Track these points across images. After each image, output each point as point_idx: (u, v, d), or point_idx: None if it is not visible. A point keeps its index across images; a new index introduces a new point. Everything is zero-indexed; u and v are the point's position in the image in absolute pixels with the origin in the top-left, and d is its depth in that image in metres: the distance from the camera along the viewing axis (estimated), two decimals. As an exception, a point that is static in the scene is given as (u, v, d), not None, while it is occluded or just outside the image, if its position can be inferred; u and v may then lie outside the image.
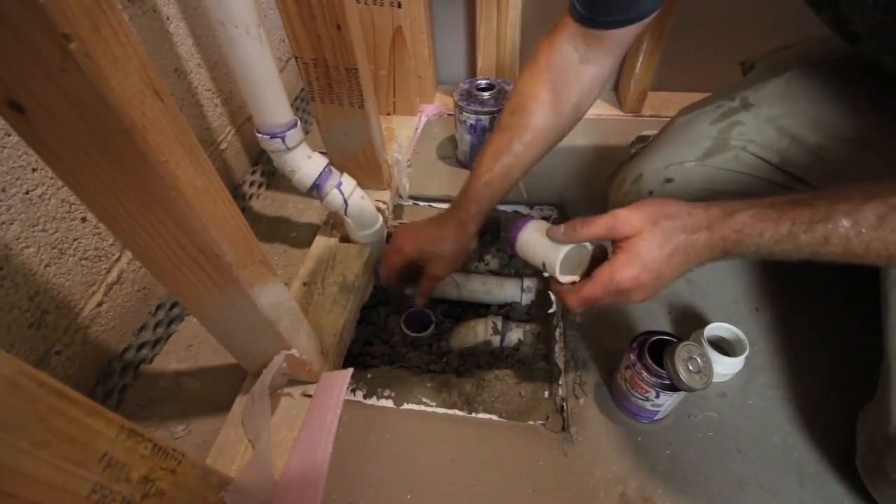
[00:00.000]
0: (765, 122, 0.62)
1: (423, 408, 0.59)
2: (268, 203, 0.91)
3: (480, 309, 0.80)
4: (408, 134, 0.99)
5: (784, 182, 0.60)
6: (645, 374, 0.50)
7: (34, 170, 0.49)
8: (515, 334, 0.71)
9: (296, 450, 0.52)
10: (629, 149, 0.79)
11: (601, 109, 1.04)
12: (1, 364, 0.22)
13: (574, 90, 0.60)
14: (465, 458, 0.54)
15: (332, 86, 0.65)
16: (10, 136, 0.46)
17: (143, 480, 0.30)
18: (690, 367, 0.48)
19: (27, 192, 0.49)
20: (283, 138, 0.59)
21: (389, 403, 0.60)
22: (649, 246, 0.42)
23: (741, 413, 0.56)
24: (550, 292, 0.69)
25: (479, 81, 0.87)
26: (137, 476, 0.30)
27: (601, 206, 0.79)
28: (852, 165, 0.56)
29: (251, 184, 0.88)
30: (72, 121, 0.27)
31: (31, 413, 0.23)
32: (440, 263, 0.65)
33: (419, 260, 0.66)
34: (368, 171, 0.78)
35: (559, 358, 0.63)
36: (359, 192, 0.69)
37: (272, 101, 0.57)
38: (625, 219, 0.43)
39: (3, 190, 0.47)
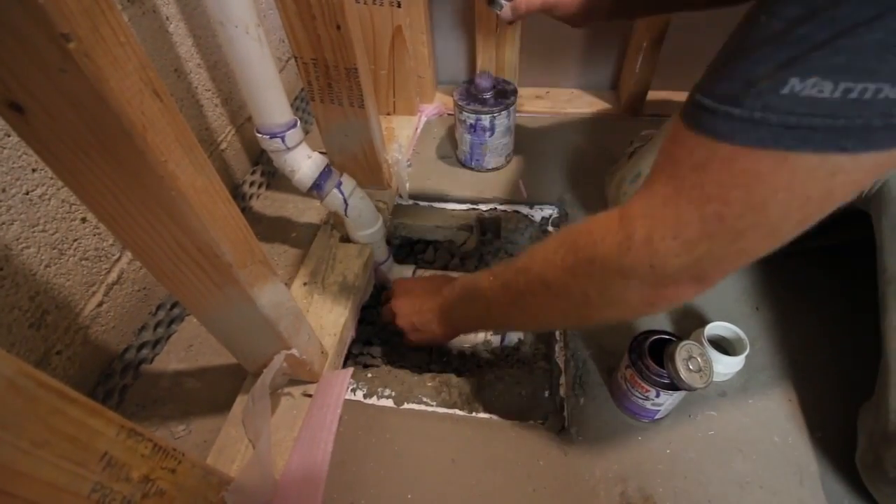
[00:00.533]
0: None
1: (423, 407, 0.59)
2: (268, 203, 0.91)
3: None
4: (408, 134, 0.99)
5: None
6: (645, 373, 0.50)
7: (34, 170, 0.49)
8: (515, 334, 0.71)
9: (296, 449, 0.52)
10: (628, 148, 0.79)
11: (601, 108, 1.04)
12: (1, 364, 0.22)
13: None
14: (466, 458, 0.54)
15: (332, 86, 0.65)
16: (9, 136, 0.46)
17: (144, 480, 0.30)
18: (691, 367, 0.48)
19: (27, 193, 0.49)
20: (282, 138, 0.59)
21: (390, 403, 0.60)
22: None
23: (741, 412, 0.56)
24: None
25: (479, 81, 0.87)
26: (138, 476, 0.30)
27: (601, 204, 0.79)
28: None
29: (251, 184, 0.88)
30: (71, 121, 0.28)
31: (31, 413, 0.23)
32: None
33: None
34: (368, 170, 0.78)
35: (559, 357, 0.63)
36: (359, 191, 0.69)
37: (272, 101, 0.57)
38: None
39: (3, 190, 0.47)
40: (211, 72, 0.75)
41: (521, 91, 1.02)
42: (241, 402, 0.56)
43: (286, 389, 0.59)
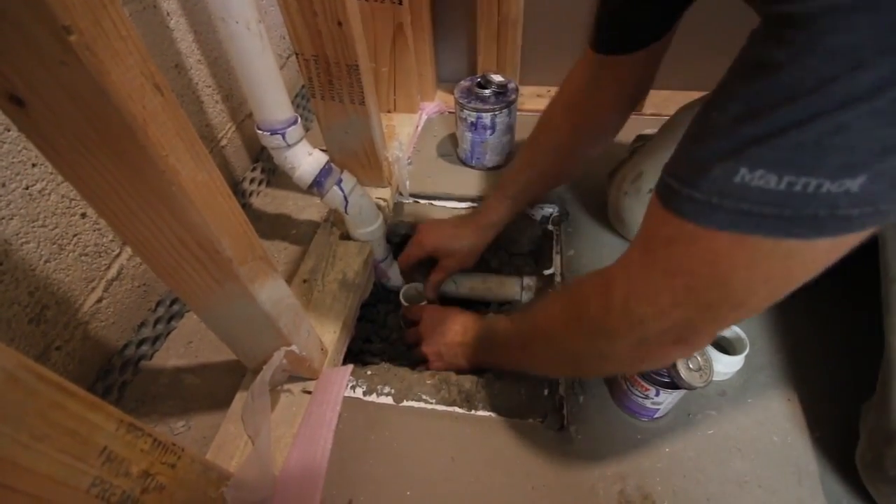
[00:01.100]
0: None
1: (422, 405, 0.59)
2: (268, 200, 0.91)
3: (480, 307, 0.80)
4: (408, 132, 0.99)
5: None
6: (645, 371, 0.50)
7: (34, 165, 0.49)
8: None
9: (295, 446, 0.52)
10: (629, 147, 0.79)
11: (602, 108, 1.03)
12: (1, 357, 0.22)
13: (592, 115, 0.64)
14: (465, 456, 0.54)
15: (333, 82, 0.65)
16: (9, 130, 0.46)
17: (143, 475, 0.30)
18: (691, 366, 0.48)
19: (27, 188, 0.49)
20: (283, 135, 0.59)
21: (389, 400, 0.60)
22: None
23: (741, 411, 0.56)
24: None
25: (479, 79, 0.87)
26: (137, 470, 0.30)
27: (602, 202, 0.79)
28: None
29: (251, 181, 0.88)
30: (71, 114, 0.27)
31: (30, 407, 0.23)
32: (452, 259, 0.74)
33: (435, 254, 0.75)
34: (369, 168, 0.78)
35: (559, 356, 0.63)
36: (359, 189, 0.69)
37: (272, 98, 0.56)
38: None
39: (3, 185, 0.47)
40: (212, 68, 0.75)
41: (522, 90, 1.02)
42: (240, 398, 0.56)
43: (286, 386, 0.58)
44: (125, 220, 0.35)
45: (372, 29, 0.89)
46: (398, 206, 0.87)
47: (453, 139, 0.97)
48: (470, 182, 0.90)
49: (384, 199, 0.80)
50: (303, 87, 1.03)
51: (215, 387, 0.63)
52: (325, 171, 0.64)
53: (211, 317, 0.48)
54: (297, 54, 0.63)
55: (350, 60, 0.62)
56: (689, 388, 0.48)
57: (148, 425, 0.31)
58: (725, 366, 0.57)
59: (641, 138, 0.77)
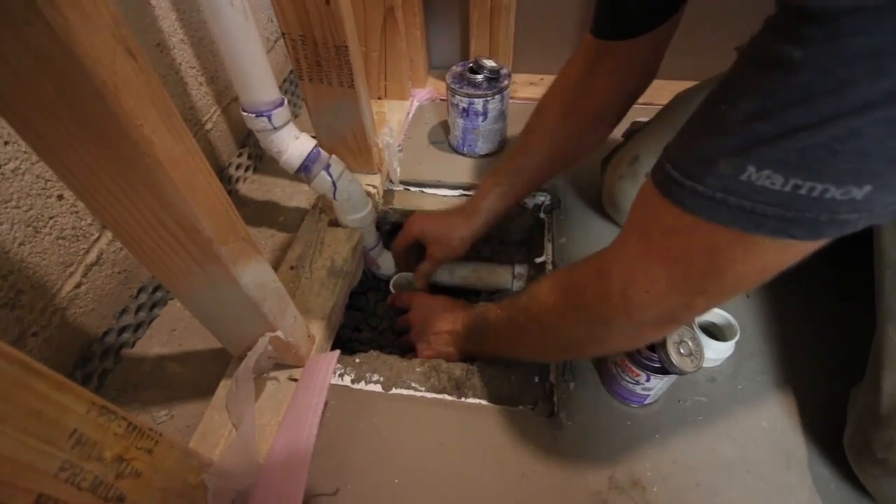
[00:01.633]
0: None
1: (411, 392, 0.58)
2: (255, 187, 0.89)
3: (471, 296, 0.80)
4: (399, 118, 0.98)
5: None
6: (636, 356, 0.50)
7: (6, 143, 0.47)
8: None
9: (280, 432, 0.51)
10: (623, 133, 0.78)
11: (594, 96, 1.03)
12: (-42, 332, 0.21)
13: (589, 102, 0.62)
14: (454, 443, 0.54)
15: (321, 64, 0.64)
16: (-20, 106, 0.44)
17: (117, 460, 0.29)
18: (682, 351, 0.48)
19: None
20: (269, 117, 0.57)
21: (378, 388, 0.59)
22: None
23: (731, 398, 0.56)
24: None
25: (472, 63, 0.85)
26: (111, 455, 0.29)
27: (594, 191, 0.78)
28: None
29: (238, 166, 0.86)
30: (38, 79, 0.26)
31: (-8, 385, 0.22)
32: (440, 247, 0.72)
33: (422, 240, 0.73)
34: (358, 154, 0.76)
35: (549, 343, 0.62)
36: (348, 175, 0.67)
37: (258, 78, 0.55)
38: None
39: (-26, 163, 0.45)
40: (196, 48, 0.73)
41: (515, 77, 1.01)
42: (224, 386, 0.55)
43: (272, 374, 0.57)
44: (100, 197, 0.34)
45: (362, 12, 0.87)
46: (388, 194, 0.86)
47: (445, 126, 0.96)
48: (461, 170, 0.89)
49: (374, 186, 0.79)
50: (291, 72, 1.01)
51: (199, 375, 0.61)
52: (312, 156, 0.63)
53: (193, 301, 0.46)
54: (283, 35, 0.61)
55: (339, 41, 0.61)
56: (680, 373, 0.47)
57: (122, 408, 0.30)
58: (716, 352, 0.57)
59: (635, 125, 0.77)
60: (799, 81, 0.23)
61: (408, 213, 0.85)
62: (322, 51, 0.62)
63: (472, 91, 0.81)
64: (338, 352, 0.58)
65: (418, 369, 0.60)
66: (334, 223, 0.74)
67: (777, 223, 0.27)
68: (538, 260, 0.77)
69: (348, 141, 0.74)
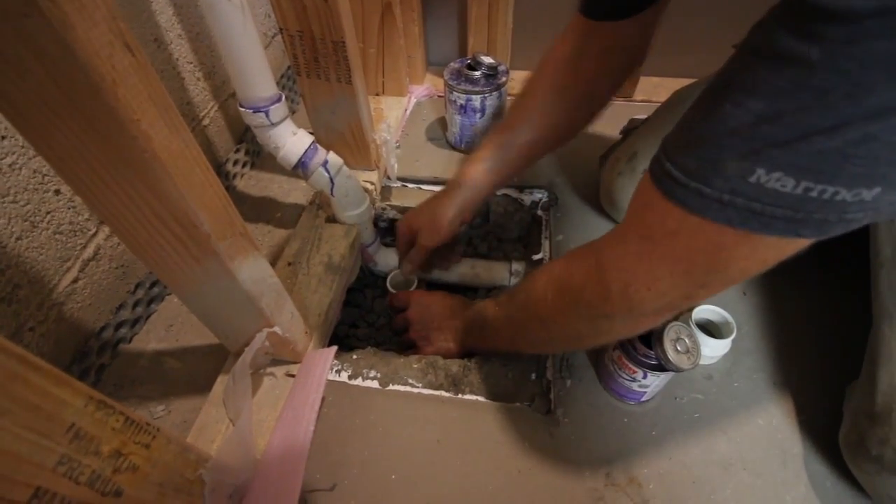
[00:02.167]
0: None
1: (408, 389, 0.58)
2: (252, 183, 0.89)
3: (469, 292, 0.80)
4: (396, 115, 0.97)
5: None
6: (633, 353, 0.50)
7: (3, 138, 0.47)
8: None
9: (278, 427, 0.51)
10: (621, 130, 0.78)
11: (593, 94, 1.03)
12: (-45, 326, 0.21)
13: (578, 81, 0.60)
14: (451, 439, 0.54)
15: (319, 60, 0.64)
16: (-24, 100, 0.44)
17: (115, 454, 0.29)
18: (678, 348, 0.48)
19: (-4, 161, 0.47)
20: (266, 113, 0.57)
21: (375, 384, 0.59)
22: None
23: (727, 395, 0.57)
24: None
25: (470, 60, 0.85)
26: (108, 449, 0.29)
27: (592, 188, 0.79)
28: None
29: (235, 162, 0.86)
30: (36, 73, 0.26)
31: (-11, 379, 0.22)
32: (426, 231, 0.68)
33: (413, 231, 0.70)
34: (356, 150, 0.76)
35: (547, 340, 0.63)
36: (345, 171, 0.67)
37: (255, 73, 0.54)
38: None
39: (-30, 157, 0.45)
40: (193, 43, 0.73)
41: (513, 74, 1.01)
42: (222, 381, 0.55)
43: (269, 369, 0.57)
44: (97, 191, 0.34)
45: (359, 8, 0.87)
46: (386, 190, 0.86)
47: (442, 123, 0.96)
48: (459, 166, 0.89)
49: (371, 183, 0.79)
50: (289, 67, 1.01)
51: (196, 371, 0.61)
52: (310, 152, 0.62)
53: (190, 297, 0.46)
54: (281, 30, 0.61)
55: (336, 37, 0.60)
56: (677, 370, 0.48)
57: (120, 403, 0.30)
58: (712, 349, 0.57)
59: (633, 122, 0.77)
60: (815, 84, 0.23)
61: (405, 210, 0.85)
62: (320, 46, 0.62)
63: (469, 87, 0.81)
64: (335, 348, 0.58)
65: (415, 366, 0.60)
66: (332, 219, 0.74)
67: (786, 224, 0.26)
68: (535, 257, 0.77)
69: (346, 137, 0.74)
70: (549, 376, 0.59)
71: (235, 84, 0.55)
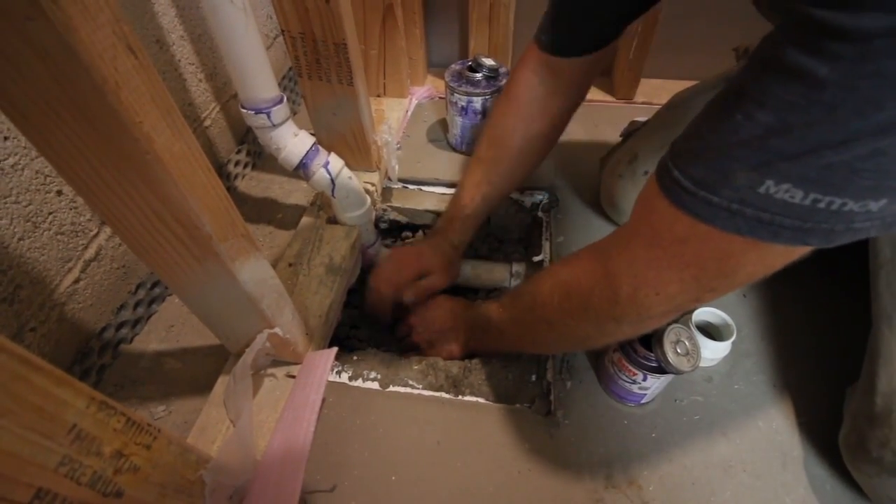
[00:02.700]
0: None
1: (409, 390, 0.58)
2: (253, 184, 0.89)
3: (469, 294, 0.80)
4: (398, 116, 0.98)
5: None
6: (633, 355, 0.50)
7: (6, 138, 0.47)
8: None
9: (278, 428, 0.51)
10: (622, 133, 0.78)
11: (593, 95, 1.03)
12: (-42, 326, 0.21)
13: (543, 121, 0.63)
14: (451, 440, 0.54)
15: (321, 61, 0.64)
16: (-21, 101, 0.44)
17: (116, 455, 0.29)
18: (678, 350, 0.48)
19: (-2, 162, 0.47)
20: (268, 114, 0.57)
21: (375, 386, 0.59)
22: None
23: (727, 397, 0.57)
24: None
25: (471, 62, 0.85)
26: (110, 450, 0.29)
27: (592, 190, 0.79)
28: None
29: (236, 163, 0.86)
30: (39, 75, 0.26)
31: (-9, 379, 0.22)
32: (440, 275, 0.70)
33: (422, 274, 0.69)
34: (357, 151, 0.76)
35: (547, 342, 0.63)
36: (346, 172, 0.67)
37: (257, 75, 0.55)
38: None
39: (-27, 158, 0.45)
40: (195, 44, 0.73)
41: (514, 75, 1.01)
42: (222, 382, 0.55)
43: (269, 370, 0.57)
44: (99, 193, 0.34)
45: (361, 10, 0.87)
46: (387, 191, 0.86)
47: (443, 124, 0.96)
48: (460, 168, 0.89)
49: (372, 184, 0.79)
50: (290, 69, 1.01)
51: (197, 371, 0.61)
52: (311, 153, 0.63)
53: (191, 297, 0.46)
54: (283, 32, 0.61)
55: (338, 38, 0.61)
56: (677, 372, 0.48)
57: (121, 404, 0.30)
58: (712, 352, 0.57)
59: (634, 124, 0.77)
60: (825, 100, 0.23)
61: (406, 212, 0.85)
62: (321, 48, 0.62)
63: (470, 89, 0.81)
64: (335, 349, 0.58)
65: (415, 367, 0.60)
66: (333, 220, 0.74)
67: (793, 233, 0.27)
68: (536, 258, 0.78)
69: (347, 138, 0.74)
70: (550, 378, 0.59)
71: (237, 85, 0.55)
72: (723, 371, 0.59)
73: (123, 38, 0.27)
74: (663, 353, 0.47)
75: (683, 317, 0.59)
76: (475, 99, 0.82)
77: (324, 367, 0.55)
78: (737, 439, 0.53)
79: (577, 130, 0.94)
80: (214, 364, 0.59)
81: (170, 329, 0.66)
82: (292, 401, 0.53)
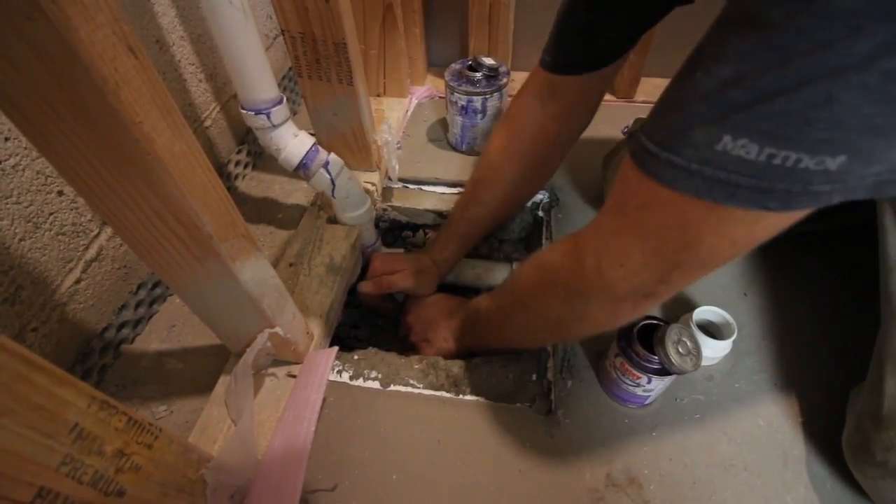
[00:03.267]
0: None
1: (409, 389, 0.58)
2: (254, 184, 0.89)
3: (469, 293, 0.80)
4: (398, 116, 0.98)
5: None
6: (636, 359, 0.50)
7: (7, 139, 0.47)
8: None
9: (279, 428, 0.51)
10: (625, 132, 0.78)
11: (594, 95, 1.03)
12: (-40, 326, 0.21)
13: (540, 145, 0.64)
14: (452, 439, 0.54)
15: (321, 61, 0.64)
16: (-20, 102, 0.44)
17: (118, 454, 0.29)
18: (680, 350, 0.48)
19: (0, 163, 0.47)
20: (268, 115, 0.57)
21: (376, 385, 0.59)
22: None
23: (728, 396, 0.57)
24: None
25: (470, 61, 0.85)
26: (111, 449, 0.29)
27: (592, 189, 0.79)
28: None
29: (237, 163, 0.86)
30: (39, 75, 0.26)
31: (-7, 379, 0.22)
32: (402, 276, 0.69)
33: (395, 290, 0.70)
34: (357, 151, 0.76)
35: (548, 341, 0.63)
36: (346, 172, 0.67)
37: (256, 76, 0.55)
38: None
39: (-26, 159, 0.45)
40: (195, 45, 0.73)
41: (514, 75, 1.01)
42: (223, 382, 0.55)
43: (270, 370, 0.57)
44: (100, 193, 0.34)
45: (361, 9, 0.87)
46: (387, 191, 0.86)
47: (443, 124, 0.96)
48: (459, 167, 0.89)
49: (373, 184, 0.79)
50: (290, 69, 1.01)
51: (198, 371, 0.61)
52: (311, 153, 0.63)
53: (192, 297, 0.46)
54: (283, 31, 0.61)
55: (337, 38, 0.61)
56: (680, 372, 0.48)
57: (122, 403, 0.30)
58: (713, 350, 0.57)
59: (638, 122, 0.77)
60: (776, 43, 0.23)
61: (405, 212, 0.85)
62: (321, 48, 0.62)
63: (470, 89, 0.81)
64: (336, 348, 0.58)
65: (416, 366, 0.60)
66: (333, 220, 0.74)
67: (751, 194, 0.26)
68: None
69: (347, 138, 0.74)
70: (550, 377, 0.59)
71: (237, 86, 0.55)
72: (724, 370, 0.59)
73: (123, 38, 0.27)
74: (666, 354, 0.47)
75: (683, 316, 0.59)
76: (475, 98, 0.82)
77: (325, 366, 0.55)
78: (738, 438, 0.53)
79: (577, 129, 0.94)
80: (215, 364, 0.59)
81: (171, 329, 0.66)
82: (293, 400, 0.53)
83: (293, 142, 0.61)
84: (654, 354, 0.49)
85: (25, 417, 0.23)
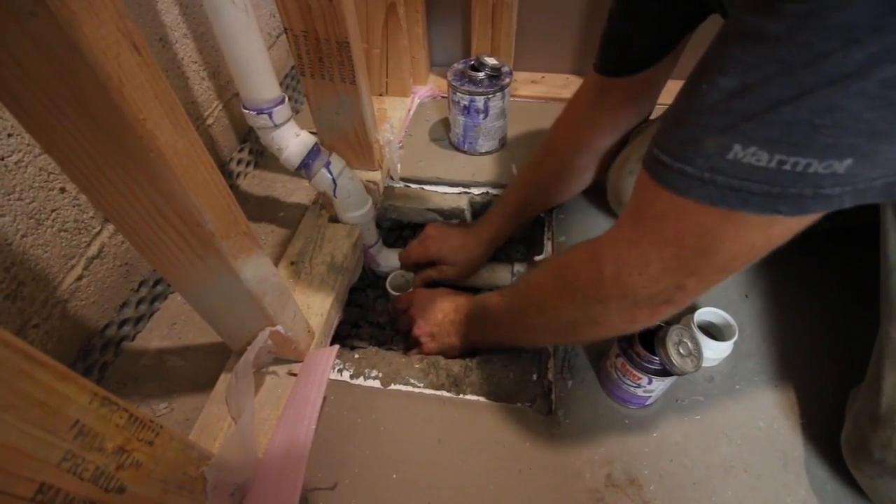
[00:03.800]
0: None
1: (410, 388, 0.59)
2: (256, 182, 0.89)
3: (471, 293, 0.80)
4: (400, 115, 0.98)
5: None
6: (636, 360, 0.50)
7: (10, 135, 0.47)
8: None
9: (280, 426, 0.51)
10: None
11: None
12: (-38, 321, 0.21)
13: (592, 133, 0.67)
14: (452, 439, 0.54)
15: (323, 60, 0.64)
16: (-17, 98, 0.44)
17: (119, 451, 0.29)
18: (681, 351, 0.48)
19: (2, 159, 0.47)
20: (270, 114, 0.57)
21: (376, 384, 0.59)
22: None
23: (728, 397, 0.56)
24: None
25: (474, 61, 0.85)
26: (112, 446, 0.29)
27: (593, 189, 0.78)
28: None
29: (238, 162, 0.86)
30: (43, 71, 0.26)
31: (-5, 374, 0.22)
32: (453, 269, 0.74)
33: (438, 259, 0.75)
34: (359, 150, 0.76)
35: (548, 341, 0.63)
36: (348, 172, 0.68)
37: (258, 76, 0.55)
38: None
39: (-23, 155, 0.45)
40: (198, 43, 0.73)
41: (516, 76, 1.01)
42: (224, 379, 0.55)
43: (271, 368, 0.58)
44: (102, 189, 0.34)
45: (364, 8, 0.87)
46: (389, 190, 0.86)
47: (446, 123, 0.96)
48: (462, 167, 0.89)
49: (374, 183, 0.78)
50: (293, 67, 1.01)
51: (199, 369, 0.61)
52: (313, 153, 0.63)
53: (193, 295, 0.46)
54: (286, 30, 0.61)
55: (340, 37, 0.60)
56: (681, 373, 0.48)
57: (123, 399, 0.30)
58: (714, 352, 0.57)
59: (644, 122, 0.76)
60: (779, 55, 0.24)
61: (407, 212, 0.85)
62: (324, 47, 0.62)
63: (473, 88, 0.81)
64: (337, 347, 0.58)
65: (417, 366, 0.61)
66: (334, 219, 0.74)
67: (764, 199, 0.27)
68: (538, 258, 0.78)
69: (349, 137, 0.74)
70: (551, 377, 0.59)
71: (239, 86, 0.55)
72: (724, 371, 0.59)
73: (127, 34, 0.27)
74: (667, 355, 0.47)
75: (684, 317, 0.59)
76: (477, 98, 0.82)
77: (325, 365, 0.55)
78: (738, 439, 0.53)
79: (579, 130, 0.94)
80: (216, 362, 0.59)
81: (172, 326, 0.66)
82: (294, 398, 0.53)
83: (295, 142, 0.61)
84: (655, 355, 0.49)
85: (27, 413, 0.23)
